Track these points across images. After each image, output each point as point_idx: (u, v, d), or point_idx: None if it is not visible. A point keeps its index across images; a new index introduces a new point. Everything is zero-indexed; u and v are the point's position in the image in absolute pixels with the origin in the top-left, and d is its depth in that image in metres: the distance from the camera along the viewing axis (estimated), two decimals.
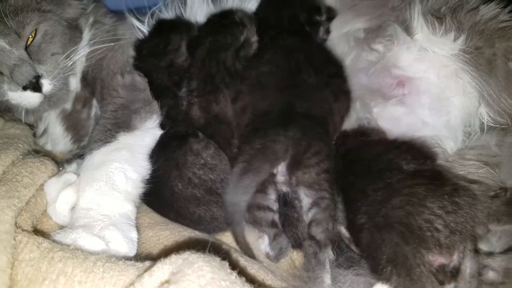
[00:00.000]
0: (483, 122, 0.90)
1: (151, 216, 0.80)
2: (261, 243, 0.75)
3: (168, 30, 0.92)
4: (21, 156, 0.72)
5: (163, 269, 0.48)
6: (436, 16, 0.88)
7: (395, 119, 0.91)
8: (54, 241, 0.60)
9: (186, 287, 0.44)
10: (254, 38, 0.91)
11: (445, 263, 0.64)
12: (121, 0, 1.01)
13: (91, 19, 0.97)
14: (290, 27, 0.92)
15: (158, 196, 0.78)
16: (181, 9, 1.00)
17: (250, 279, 0.55)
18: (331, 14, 0.95)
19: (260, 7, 0.97)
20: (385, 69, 0.93)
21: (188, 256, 0.48)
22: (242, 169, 0.69)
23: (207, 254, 0.50)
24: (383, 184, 0.71)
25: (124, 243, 0.68)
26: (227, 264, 0.51)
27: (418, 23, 0.90)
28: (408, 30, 0.92)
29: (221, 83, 0.84)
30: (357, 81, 0.92)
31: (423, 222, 0.63)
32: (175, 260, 0.48)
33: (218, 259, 0.50)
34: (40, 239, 0.57)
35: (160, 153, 0.81)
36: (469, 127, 0.93)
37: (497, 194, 0.74)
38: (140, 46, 0.94)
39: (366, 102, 0.92)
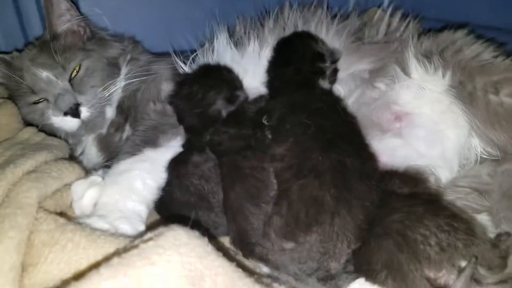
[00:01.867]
0: (476, 154, 0.95)
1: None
2: None
3: (209, 85, 0.99)
4: (53, 158, 0.85)
5: (149, 235, 0.56)
6: (426, 56, 0.97)
7: (391, 150, 0.97)
8: None
9: (162, 244, 0.52)
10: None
11: (433, 278, 0.66)
12: (165, 42, 1.17)
13: (128, 56, 1.14)
14: (295, 83, 0.97)
15: (161, 200, 0.89)
16: (211, 54, 1.14)
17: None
18: (335, 57, 1.02)
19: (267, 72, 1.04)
20: (385, 105, 1.01)
21: (172, 226, 0.57)
22: None
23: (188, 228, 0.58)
24: (382, 203, 0.77)
25: (132, 233, 0.78)
26: (206, 238, 0.58)
27: (412, 64, 0.99)
28: (405, 70, 1.01)
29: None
30: (361, 114, 0.99)
31: (418, 235, 0.67)
32: (160, 229, 0.57)
33: (197, 232, 0.58)
34: (57, 217, 0.68)
35: (169, 164, 0.92)
36: (464, 159, 0.97)
37: (496, 244, 0.74)
38: (181, 85, 1.04)
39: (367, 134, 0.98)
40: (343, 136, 0.84)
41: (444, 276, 0.67)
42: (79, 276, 0.46)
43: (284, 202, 0.76)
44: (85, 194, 0.84)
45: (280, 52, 1.04)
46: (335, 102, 0.95)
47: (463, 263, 0.69)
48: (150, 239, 0.53)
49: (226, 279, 0.56)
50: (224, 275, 0.56)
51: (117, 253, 0.51)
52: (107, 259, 0.49)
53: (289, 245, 0.75)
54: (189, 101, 1.00)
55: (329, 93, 0.99)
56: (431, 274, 0.66)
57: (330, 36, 1.08)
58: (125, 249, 0.52)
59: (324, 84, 1.00)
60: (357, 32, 1.11)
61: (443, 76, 0.95)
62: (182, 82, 1.05)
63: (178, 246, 0.53)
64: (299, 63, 1.00)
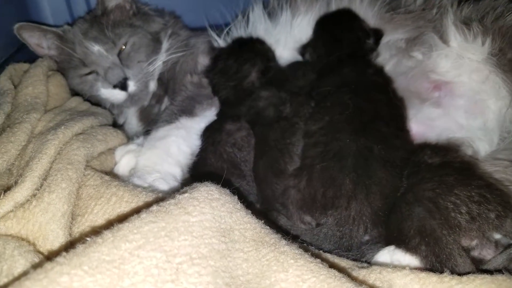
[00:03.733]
0: None
1: None
2: None
3: (243, 58, 1.02)
4: (99, 124, 0.92)
5: (185, 189, 0.61)
6: (465, 23, 0.95)
7: (430, 121, 0.95)
8: None
9: (197, 196, 0.56)
10: None
11: (466, 247, 0.67)
12: (202, 19, 1.20)
13: (169, 31, 1.18)
14: (350, 62, 0.97)
15: (195, 164, 0.93)
16: (245, 27, 1.16)
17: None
18: (378, 36, 1.03)
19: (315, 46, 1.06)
20: (423, 74, 0.99)
21: (205, 183, 0.61)
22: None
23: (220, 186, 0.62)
24: (413, 173, 0.77)
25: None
26: (235, 196, 0.62)
27: (451, 31, 0.97)
28: (443, 38, 0.99)
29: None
30: (398, 84, 0.98)
31: (449, 203, 0.68)
32: (195, 184, 0.61)
33: (228, 190, 0.62)
34: (103, 174, 0.74)
35: (204, 132, 0.97)
36: (507, 132, 0.94)
37: None
38: (216, 59, 1.08)
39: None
40: (381, 119, 0.84)
41: (478, 247, 0.68)
42: (121, 220, 0.51)
43: (304, 177, 0.79)
44: (121, 160, 0.91)
45: (330, 32, 1.04)
46: (387, 82, 0.95)
47: (497, 236, 0.69)
48: (186, 191, 0.57)
49: (254, 234, 0.60)
50: (252, 230, 0.60)
51: (156, 202, 0.55)
52: (147, 206, 0.54)
53: (307, 218, 0.77)
54: (224, 75, 1.03)
55: (382, 72, 0.99)
56: (463, 242, 0.67)
57: (364, 5, 1.07)
58: (163, 199, 0.57)
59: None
60: (393, 0, 1.09)
61: (483, 43, 0.93)
62: (217, 57, 1.09)
63: (210, 200, 0.57)
64: (352, 42, 1.01)
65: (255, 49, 1.07)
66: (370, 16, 1.08)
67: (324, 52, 1.02)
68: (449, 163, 0.78)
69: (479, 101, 0.94)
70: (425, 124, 0.95)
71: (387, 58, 1.04)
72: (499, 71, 0.91)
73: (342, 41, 1.01)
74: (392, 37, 1.05)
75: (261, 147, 0.90)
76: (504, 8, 0.92)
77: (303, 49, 1.07)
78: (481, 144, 0.94)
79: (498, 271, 0.63)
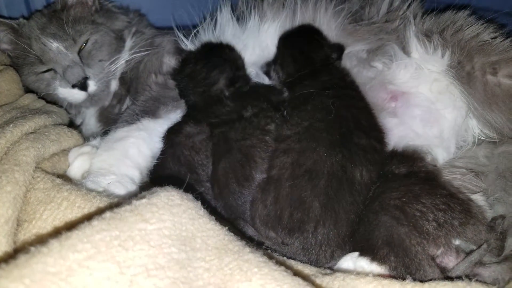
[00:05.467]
0: (474, 135, 0.96)
1: None
2: None
3: (212, 64, 0.99)
4: (53, 123, 0.86)
5: (143, 194, 0.57)
6: (426, 35, 0.97)
7: (388, 130, 0.95)
8: None
9: (156, 202, 0.53)
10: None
11: (432, 254, 0.68)
12: (168, 18, 1.15)
13: (133, 29, 1.13)
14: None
15: (155, 168, 0.89)
16: (213, 30, 1.13)
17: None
18: (341, 50, 1.02)
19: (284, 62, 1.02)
20: (382, 85, 1.01)
21: (166, 187, 0.58)
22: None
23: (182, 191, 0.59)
24: (380, 184, 0.78)
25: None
26: (199, 202, 0.59)
27: (413, 43, 0.99)
28: (405, 49, 1.01)
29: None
30: None
31: (416, 211, 0.69)
32: (155, 189, 0.57)
33: (191, 195, 0.59)
34: (54, 177, 0.69)
35: (165, 133, 0.92)
36: (462, 140, 0.98)
37: (493, 227, 0.74)
38: (184, 63, 1.04)
39: None
40: (361, 129, 0.82)
41: (442, 255, 0.68)
42: (71, 227, 0.47)
43: (271, 193, 0.76)
44: (73, 163, 0.86)
45: (299, 49, 1.01)
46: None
47: (456, 242, 0.70)
48: (144, 197, 0.54)
49: (217, 241, 0.57)
50: (215, 238, 0.57)
51: (110, 208, 0.51)
52: (100, 212, 0.50)
53: (272, 234, 0.75)
54: (192, 80, 1.00)
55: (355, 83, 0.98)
56: (430, 250, 0.67)
57: (328, 16, 1.07)
58: (118, 205, 0.53)
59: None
60: (357, 12, 1.09)
61: (442, 55, 0.95)
62: (185, 60, 1.05)
63: (171, 206, 0.54)
64: (323, 58, 0.99)
65: (224, 55, 1.04)
66: (333, 27, 1.08)
67: (294, 69, 0.99)
68: (414, 173, 0.79)
69: (435, 111, 0.97)
70: None
71: (347, 68, 1.04)
72: (457, 83, 0.93)
73: (313, 58, 0.99)
74: (354, 48, 1.06)
75: (221, 150, 0.86)
76: (463, 22, 0.95)
77: (268, 67, 1.04)
78: (439, 152, 0.97)
79: (459, 278, 0.64)
